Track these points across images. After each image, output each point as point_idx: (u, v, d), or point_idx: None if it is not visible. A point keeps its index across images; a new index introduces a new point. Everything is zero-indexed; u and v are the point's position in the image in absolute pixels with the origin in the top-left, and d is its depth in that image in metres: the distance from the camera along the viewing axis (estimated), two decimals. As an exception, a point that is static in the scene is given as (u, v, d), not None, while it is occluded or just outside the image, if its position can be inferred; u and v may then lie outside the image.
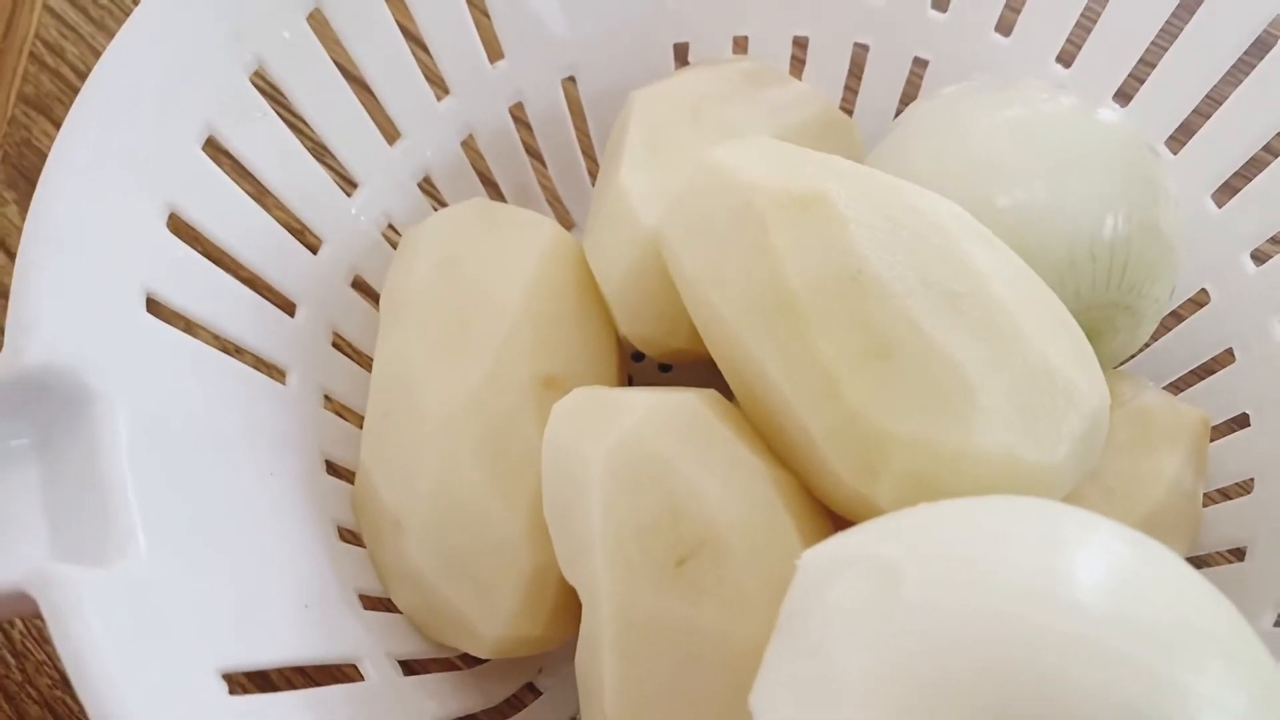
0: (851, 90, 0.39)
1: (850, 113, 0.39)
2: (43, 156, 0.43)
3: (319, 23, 0.30)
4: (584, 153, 0.39)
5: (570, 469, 0.25)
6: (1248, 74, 0.30)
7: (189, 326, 0.27)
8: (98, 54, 0.44)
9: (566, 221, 0.40)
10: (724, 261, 0.25)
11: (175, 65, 0.26)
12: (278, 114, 0.30)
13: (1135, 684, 0.17)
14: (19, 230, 0.41)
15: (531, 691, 0.32)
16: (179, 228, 0.27)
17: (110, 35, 0.45)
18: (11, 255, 0.40)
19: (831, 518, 0.25)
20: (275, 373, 0.29)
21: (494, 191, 0.38)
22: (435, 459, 0.28)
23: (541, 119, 0.37)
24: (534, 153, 0.38)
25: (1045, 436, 0.23)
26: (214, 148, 0.28)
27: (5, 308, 0.38)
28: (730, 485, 0.24)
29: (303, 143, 0.31)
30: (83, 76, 0.44)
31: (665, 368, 0.36)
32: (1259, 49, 0.30)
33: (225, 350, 0.28)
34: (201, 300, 0.27)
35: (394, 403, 0.29)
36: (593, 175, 0.39)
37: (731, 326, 0.25)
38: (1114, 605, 0.18)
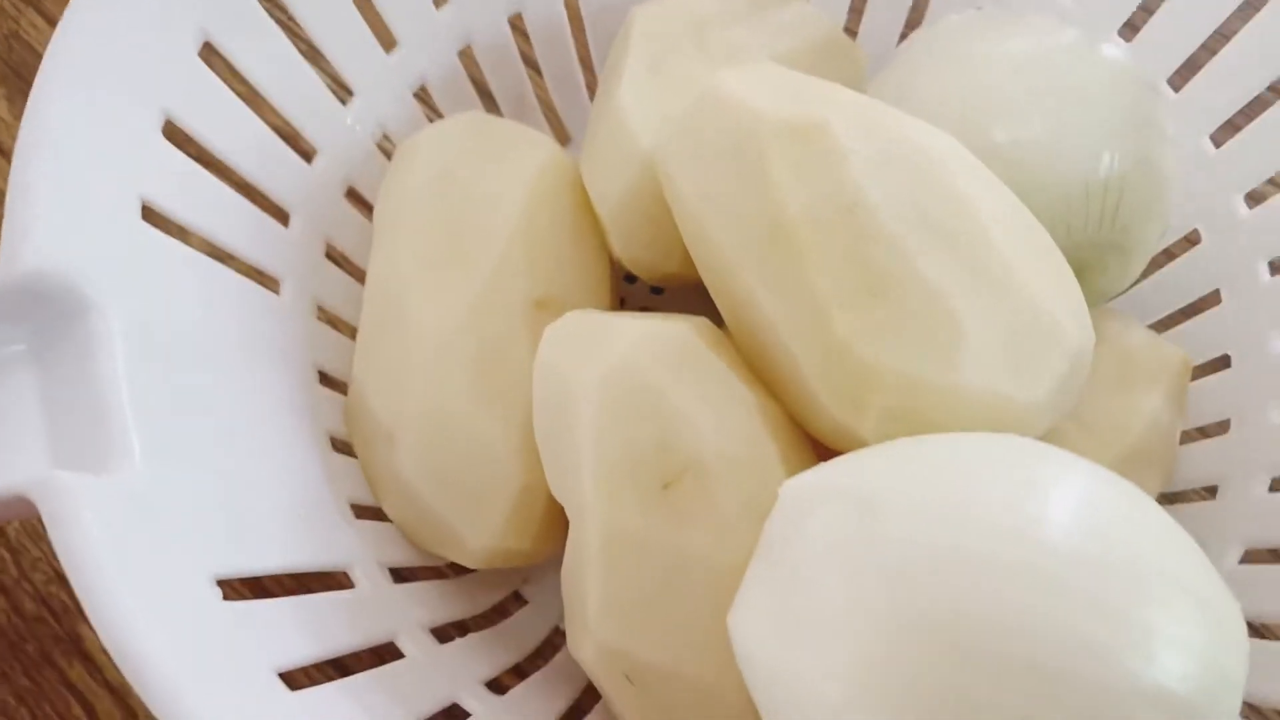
0: (857, 12, 0.38)
1: (854, 35, 0.38)
2: (30, 49, 0.42)
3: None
4: (582, 64, 0.38)
5: (562, 393, 0.26)
6: (1255, 13, 0.30)
7: (184, 235, 0.27)
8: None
9: (563, 136, 0.39)
10: (722, 188, 0.25)
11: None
12: (274, 20, 0.29)
13: (1099, 622, 0.18)
14: (6, 124, 0.40)
15: (517, 600, 0.33)
16: (173, 134, 0.26)
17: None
18: (3, 151, 0.40)
19: (817, 448, 0.26)
20: (269, 283, 0.29)
21: (490, 103, 0.37)
22: (427, 375, 0.28)
23: (540, 30, 0.37)
24: (532, 64, 0.38)
25: (1028, 375, 0.24)
26: (209, 53, 0.27)
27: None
28: (717, 413, 0.25)
29: (298, 49, 0.30)
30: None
31: (657, 290, 0.36)
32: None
33: (220, 259, 0.28)
34: (197, 209, 0.27)
35: (386, 318, 0.29)
36: (591, 89, 0.39)
37: (726, 254, 0.25)
38: (1081, 544, 0.19)
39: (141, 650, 0.19)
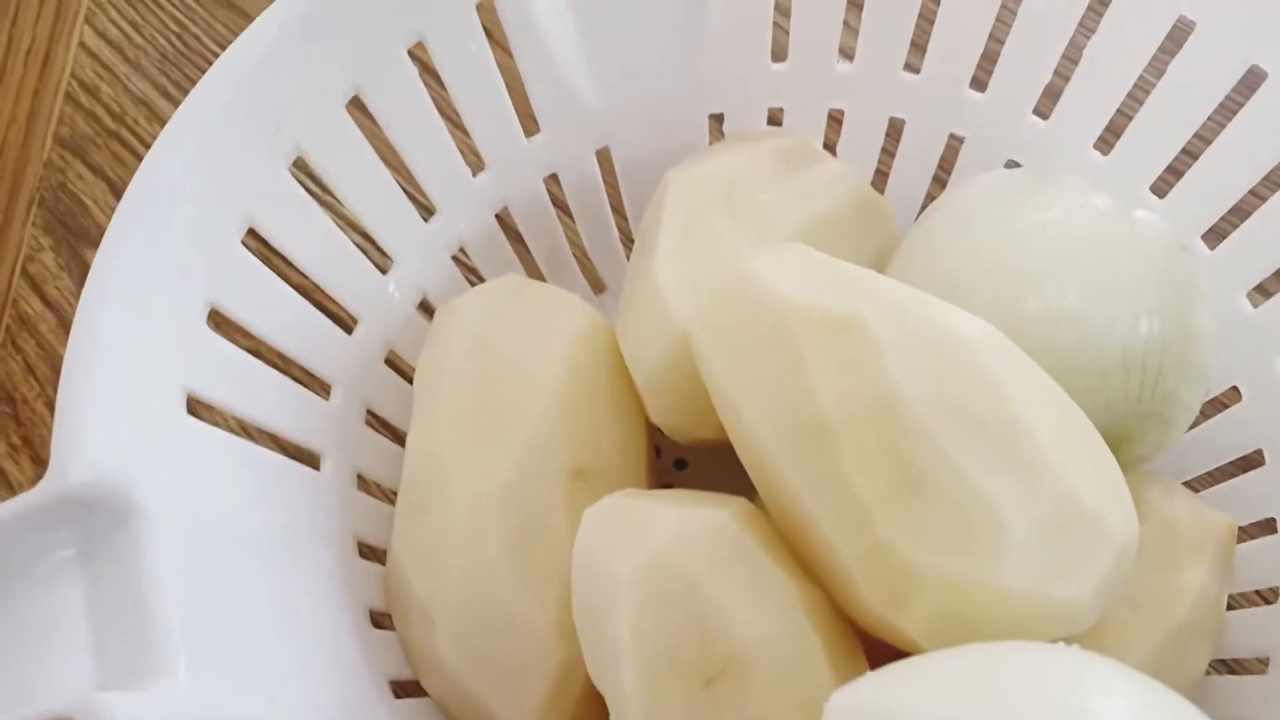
0: (884, 169, 0.39)
1: (884, 184, 0.39)
2: (77, 199, 0.44)
3: (357, 106, 0.30)
4: (615, 210, 0.39)
5: (600, 579, 0.26)
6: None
7: (227, 421, 0.27)
8: (132, 95, 0.45)
9: (598, 284, 0.40)
10: (757, 378, 0.26)
11: (217, 164, 0.27)
12: (313, 198, 0.30)
13: None
14: (53, 276, 0.42)
15: (556, 767, 0.32)
16: (217, 320, 0.27)
17: (144, 76, 0.46)
18: (47, 302, 0.41)
19: (861, 635, 0.26)
20: (310, 459, 0.30)
21: (525, 252, 0.38)
22: (464, 552, 0.28)
23: (575, 188, 0.37)
24: (566, 214, 0.38)
25: (1072, 573, 0.23)
26: (251, 236, 0.28)
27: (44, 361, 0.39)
28: (758, 605, 0.25)
29: (337, 223, 0.31)
30: (117, 119, 0.45)
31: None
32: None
33: (262, 442, 0.28)
34: (239, 393, 0.28)
35: (424, 491, 0.30)
36: (623, 236, 0.40)
37: (762, 442, 0.25)
38: None
39: None
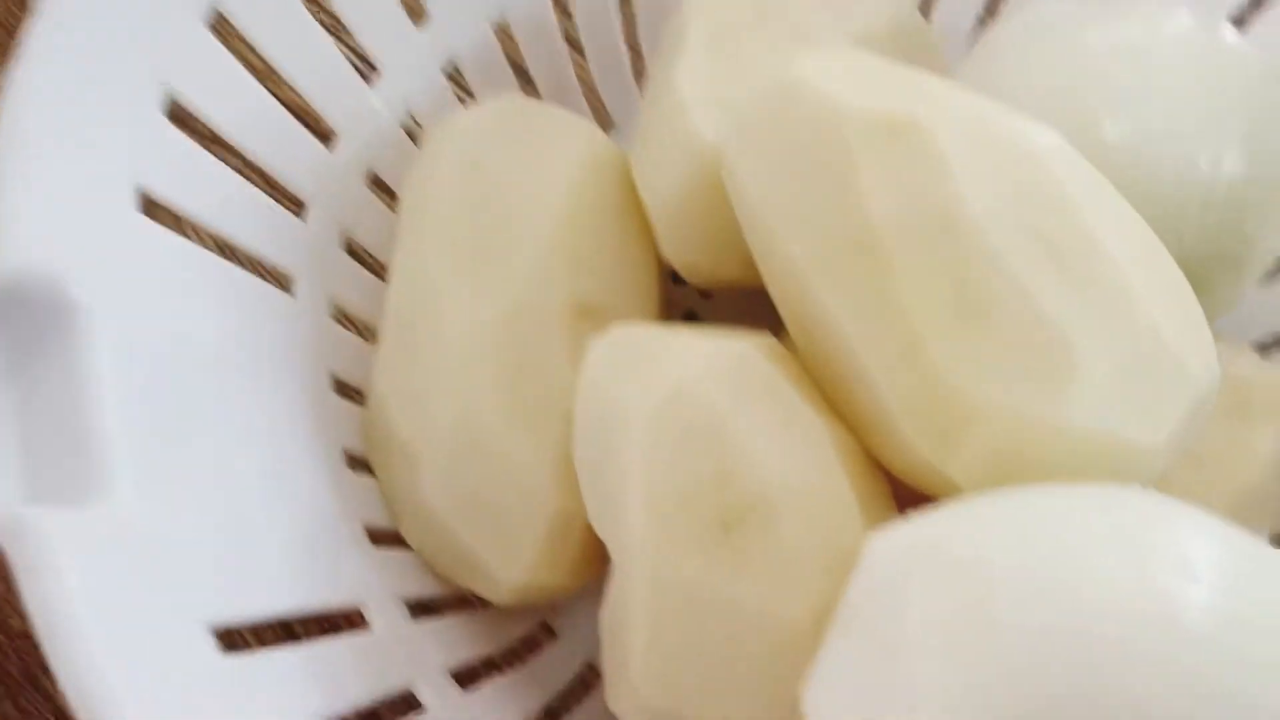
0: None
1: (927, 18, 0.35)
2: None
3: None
4: (629, 47, 0.35)
5: (609, 419, 0.23)
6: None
7: (184, 227, 0.24)
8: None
9: (606, 122, 0.36)
10: (798, 192, 0.22)
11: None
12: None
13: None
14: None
15: (546, 631, 0.30)
16: (176, 114, 0.24)
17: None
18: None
19: (897, 487, 0.23)
20: (281, 280, 0.27)
21: (526, 82, 0.34)
22: (455, 390, 0.25)
23: (585, 8, 0.33)
24: (573, 41, 0.35)
25: (1149, 416, 0.21)
26: (220, 23, 0.25)
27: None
28: (786, 446, 0.22)
29: (319, 20, 0.27)
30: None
31: (706, 294, 0.33)
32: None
33: (226, 255, 0.25)
34: (200, 197, 0.24)
35: (411, 324, 0.27)
36: (637, 73, 0.36)
37: (800, 266, 0.22)
38: (1222, 634, 0.16)
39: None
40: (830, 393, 0.23)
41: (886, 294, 0.21)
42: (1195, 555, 0.17)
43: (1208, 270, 0.26)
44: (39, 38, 0.21)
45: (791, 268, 0.23)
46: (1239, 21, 0.30)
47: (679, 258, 0.28)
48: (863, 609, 0.18)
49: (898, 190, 0.21)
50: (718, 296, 0.33)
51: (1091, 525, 0.18)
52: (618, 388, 0.23)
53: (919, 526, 0.19)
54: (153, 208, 0.23)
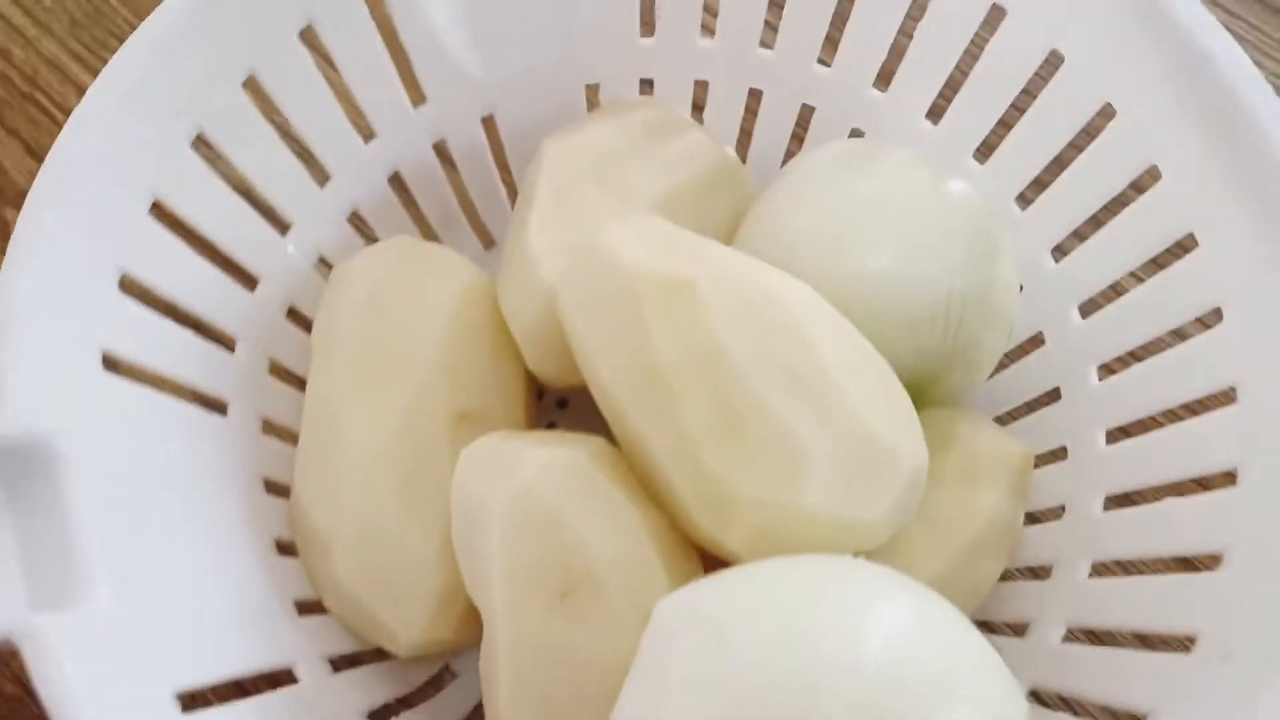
0: (749, 128, 0.42)
1: (749, 141, 0.43)
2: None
3: (253, 86, 0.33)
4: (500, 167, 0.42)
5: (475, 511, 0.30)
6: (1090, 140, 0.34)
7: (140, 375, 0.30)
8: (44, 58, 0.47)
9: (488, 239, 0.43)
10: (607, 335, 0.30)
11: (123, 145, 0.29)
12: (216, 172, 0.33)
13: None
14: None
15: (449, 673, 0.37)
16: (129, 286, 0.30)
17: (55, 39, 0.48)
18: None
19: (700, 551, 0.30)
20: (219, 406, 0.33)
21: (418, 214, 0.41)
22: (359, 488, 0.32)
23: (463, 153, 0.40)
24: (456, 182, 0.41)
25: (867, 497, 0.28)
26: (155, 208, 0.31)
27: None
28: (608, 530, 0.29)
29: (238, 191, 0.34)
30: (29, 81, 0.47)
31: (563, 403, 0.41)
32: (1105, 117, 0.34)
33: (173, 393, 0.31)
34: (151, 350, 0.31)
35: (322, 433, 0.33)
36: (511, 196, 0.43)
37: (613, 392, 0.29)
38: (896, 672, 0.22)
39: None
40: (645, 481, 0.30)
41: (673, 415, 0.28)
42: (880, 609, 0.24)
43: (945, 367, 0.34)
44: (19, 236, 0.27)
45: (607, 391, 0.30)
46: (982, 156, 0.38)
47: (539, 370, 0.35)
48: (645, 659, 0.25)
49: (676, 335, 0.28)
50: (573, 405, 0.40)
51: (809, 591, 0.24)
52: (481, 487, 0.30)
53: (693, 591, 0.26)
54: (115, 364, 0.29)
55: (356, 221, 0.39)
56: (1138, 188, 0.32)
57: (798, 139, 0.42)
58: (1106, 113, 0.33)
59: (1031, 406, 0.38)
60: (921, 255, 0.32)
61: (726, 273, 0.29)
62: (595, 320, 0.30)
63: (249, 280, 0.35)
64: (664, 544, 0.30)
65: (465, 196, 0.42)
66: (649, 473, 0.30)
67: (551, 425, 0.40)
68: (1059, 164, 0.36)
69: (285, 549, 0.34)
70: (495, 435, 0.31)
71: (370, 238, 0.39)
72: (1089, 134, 0.34)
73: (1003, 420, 0.38)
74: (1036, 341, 0.37)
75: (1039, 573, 0.34)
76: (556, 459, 0.30)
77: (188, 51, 0.30)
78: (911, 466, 0.29)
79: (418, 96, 0.38)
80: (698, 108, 0.42)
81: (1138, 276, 0.33)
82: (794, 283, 0.30)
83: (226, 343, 0.34)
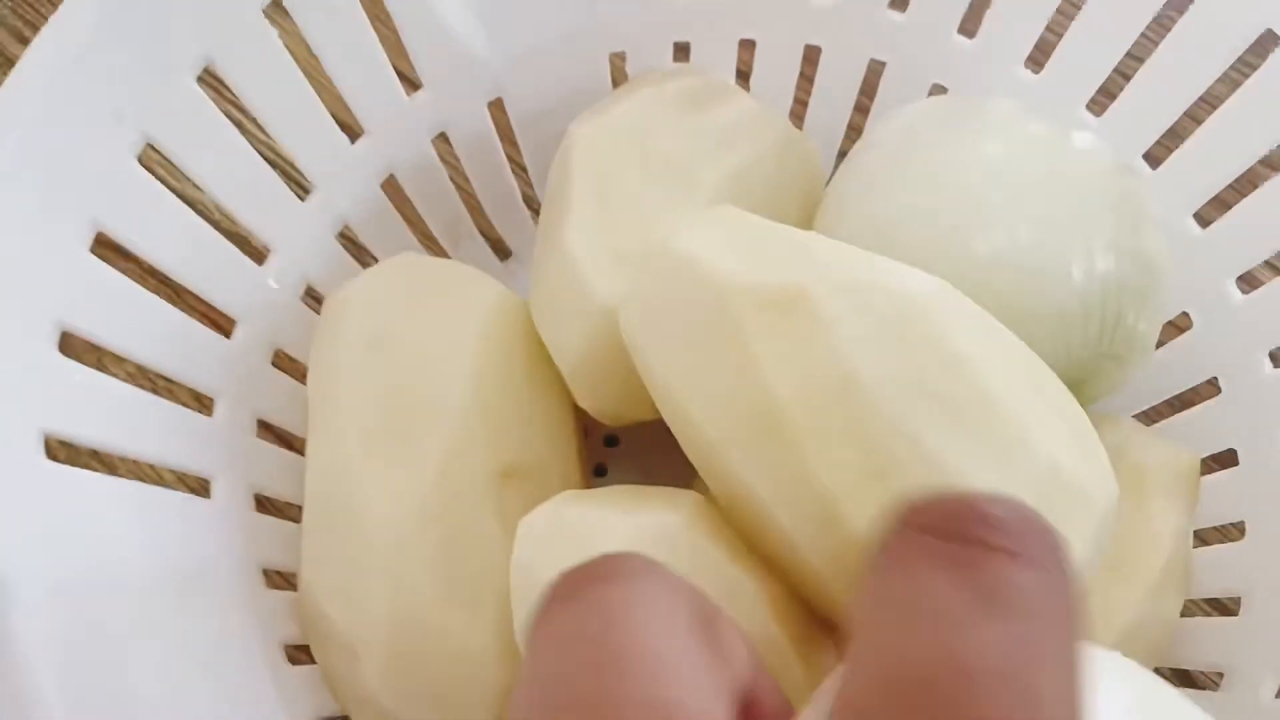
0: (802, 97, 0.36)
1: (804, 114, 0.36)
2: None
3: (211, 80, 0.26)
4: (514, 166, 0.35)
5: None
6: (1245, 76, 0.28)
7: (95, 456, 0.24)
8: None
9: (504, 249, 0.36)
10: (699, 368, 0.23)
11: (49, 163, 0.23)
12: (171, 191, 0.26)
13: None
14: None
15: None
16: (72, 343, 0.23)
17: None
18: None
19: (830, 627, 0.24)
20: (199, 485, 0.26)
21: (421, 230, 0.34)
22: (386, 573, 0.25)
23: (468, 147, 0.34)
24: (462, 183, 0.35)
25: (1057, 548, 0.22)
26: (106, 244, 0.24)
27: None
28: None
29: (200, 214, 0.27)
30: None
31: (611, 441, 0.34)
32: (1259, 50, 0.28)
33: (138, 477, 0.25)
34: (106, 426, 0.24)
35: (333, 509, 0.27)
36: (527, 199, 0.36)
37: (707, 435, 0.23)
38: None
39: None
40: (754, 541, 0.24)
41: (797, 464, 0.22)
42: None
43: (1097, 368, 0.27)
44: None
45: (705, 441, 0.23)
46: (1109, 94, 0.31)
47: (592, 406, 0.28)
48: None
49: (791, 362, 0.22)
50: (624, 442, 0.34)
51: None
52: (551, 570, 0.23)
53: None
54: (59, 450, 0.23)
55: (347, 239, 0.32)
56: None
57: (861, 110, 0.35)
58: (1264, 43, 0.27)
59: (1174, 404, 0.31)
60: (1062, 231, 0.26)
61: (841, 273, 0.23)
62: (679, 350, 0.24)
63: (223, 323, 0.28)
64: (790, 621, 0.23)
65: (473, 199, 0.35)
66: (762, 533, 0.23)
67: (600, 470, 0.34)
68: (1202, 107, 0.29)
69: (297, 656, 0.27)
70: (557, 500, 0.25)
71: (366, 258, 0.32)
72: (1240, 69, 0.28)
73: (1139, 421, 0.32)
74: (1178, 326, 0.31)
75: (1224, 607, 0.28)
76: (646, 529, 0.23)
77: (119, 39, 0.23)
78: (1104, 502, 0.22)
79: (412, 81, 0.31)
80: (742, 74, 0.35)
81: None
82: (923, 277, 0.23)
83: (203, 404, 0.27)
